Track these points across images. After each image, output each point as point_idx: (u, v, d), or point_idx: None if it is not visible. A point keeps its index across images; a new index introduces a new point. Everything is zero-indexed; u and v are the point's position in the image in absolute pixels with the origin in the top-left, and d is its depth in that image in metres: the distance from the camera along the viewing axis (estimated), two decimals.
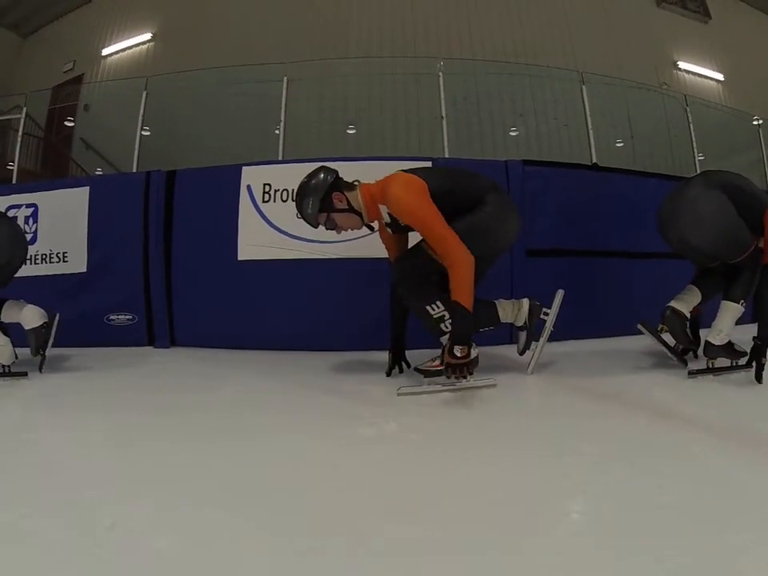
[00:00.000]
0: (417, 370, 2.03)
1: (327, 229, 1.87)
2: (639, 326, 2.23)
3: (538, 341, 2.19)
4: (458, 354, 1.78)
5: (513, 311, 2.11)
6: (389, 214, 1.83)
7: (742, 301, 2.05)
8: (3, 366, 2.33)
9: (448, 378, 1.84)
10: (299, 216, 1.90)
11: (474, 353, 1.96)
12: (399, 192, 1.70)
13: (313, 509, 1.13)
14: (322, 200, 1.77)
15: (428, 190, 1.72)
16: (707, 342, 2.10)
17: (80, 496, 1.20)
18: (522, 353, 2.19)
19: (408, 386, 1.98)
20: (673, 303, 2.17)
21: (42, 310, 2.40)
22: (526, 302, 2.14)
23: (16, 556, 0.97)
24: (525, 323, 2.12)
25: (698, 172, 2.24)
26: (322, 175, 1.79)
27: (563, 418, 1.72)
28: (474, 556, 0.95)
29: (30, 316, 2.37)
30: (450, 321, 1.85)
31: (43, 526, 1.07)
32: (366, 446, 1.52)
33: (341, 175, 1.86)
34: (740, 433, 1.53)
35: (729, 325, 2.06)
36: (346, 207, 1.79)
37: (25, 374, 2.33)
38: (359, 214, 1.83)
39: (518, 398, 1.95)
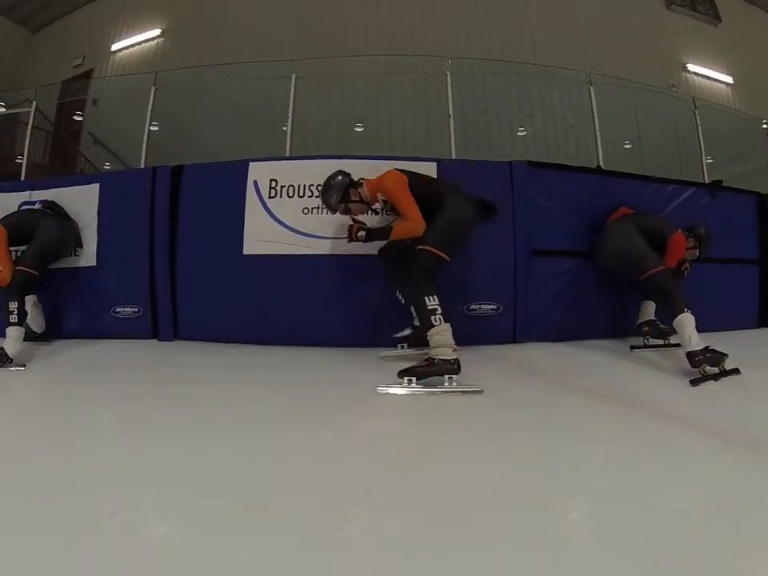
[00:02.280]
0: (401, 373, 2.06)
1: (341, 213, 2.46)
2: (632, 351, 2.72)
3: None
4: (361, 236, 2.33)
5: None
6: (383, 200, 2.53)
7: (686, 308, 2.26)
8: (8, 357, 2.40)
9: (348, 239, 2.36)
10: (321, 202, 2.53)
11: (455, 354, 2.03)
12: (389, 184, 2.34)
13: (313, 501, 1.15)
14: (342, 195, 2.39)
15: (407, 184, 2.32)
16: (688, 354, 2.16)
17: (83, 484, 1.22)
18: (402, 346, 2.61)
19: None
20: (640, 320, 2.82)
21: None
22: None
23: (18, 541, 0.99)
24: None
25: (706, 176, 2.43)
26: (340, 177, 2.42)
27: (562, 416, 1.73)
28: (472, 551, 0.96)
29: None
30: (441, 315, 2.08)
31: (45, 511, 1.09)
32: (367, 441, 1.54)
33: (348, 171, 2.48)
34: (740, 434, 1.53)
35: (691, 330, 2.21)
36: (358, 199, 2.43)
37: (23, 366, 2.42)
38: (366, 203, 2.47)
39: (518, 396, 1.96)
